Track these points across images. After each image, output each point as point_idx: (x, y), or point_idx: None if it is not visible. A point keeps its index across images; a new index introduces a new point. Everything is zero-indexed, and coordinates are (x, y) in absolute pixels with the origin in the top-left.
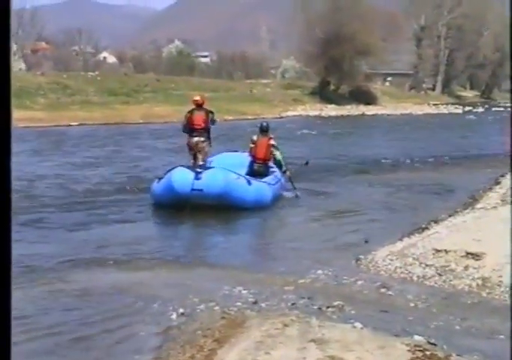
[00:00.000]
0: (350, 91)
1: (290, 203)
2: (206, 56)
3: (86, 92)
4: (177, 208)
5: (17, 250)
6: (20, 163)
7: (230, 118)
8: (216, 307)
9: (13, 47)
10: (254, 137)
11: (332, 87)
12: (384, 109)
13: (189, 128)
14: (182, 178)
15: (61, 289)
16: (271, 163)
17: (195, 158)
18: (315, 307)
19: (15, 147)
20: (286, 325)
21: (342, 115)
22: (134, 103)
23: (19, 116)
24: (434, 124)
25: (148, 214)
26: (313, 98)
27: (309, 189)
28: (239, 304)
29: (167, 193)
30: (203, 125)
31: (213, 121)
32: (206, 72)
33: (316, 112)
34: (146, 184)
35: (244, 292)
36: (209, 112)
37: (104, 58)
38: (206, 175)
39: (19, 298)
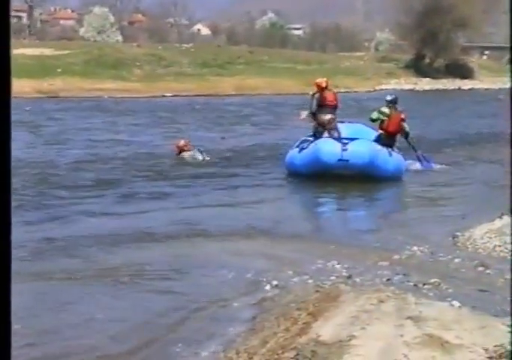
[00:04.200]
0: (446, 65)
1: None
2: (299, 29)
3: (180, 64)
4: (318, 177)
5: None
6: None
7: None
8: (310, 281)
9: (111, 19)
10: (386, 110)
11: (427, 60)
12: (480, 83)
13: (322, 106)
14: (329, 148)
15: (159, 254)
16: None
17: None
18: (411, 284)
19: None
20: (381, 301)
21: (438, 89)
22: (227, 74)
23: (116, 87)
24: None
25: (274, 181)
26: (407, 72)
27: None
28: (333, 278)
29: (313, 162)
30: (335, 102)
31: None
32: (298, 44)
33: (410, 86)
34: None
35: (338, 266)
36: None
37: (198, 30)
38: (352, 146)
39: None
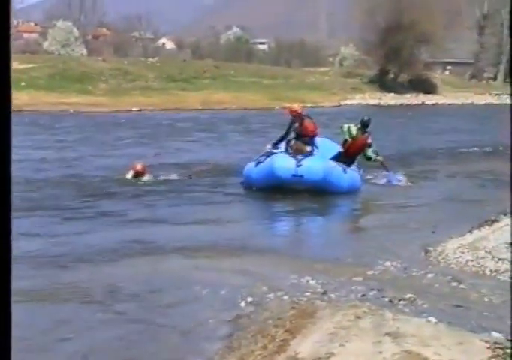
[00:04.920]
0: (410, 80)
1: (368, 191)
2: (263, 43)
3: (146, 78)
4: (274, 191)
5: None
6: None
7: (289, 105)
8: (285, 296)
9: (75, 33)
10: (354, 132)
11: (391, 75)
12: (444, 98)
13: (302, 136)
14: (283, 164)
15: (130, 272)
16: None
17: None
18: (386, 299)
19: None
20: (358, 317)
21: (402, 104)
22: (193, 89)
23: (81, 101)
24: (497, 114)
25: (235, 198)
26: (372, 86)
27: (375, 178)
28: (308, 293)
29: (267, 177)
30: (315, 132)
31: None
32: (264, 59)
33: (375, 101)
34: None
35: (312, 281)
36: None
37: (163, 44)
38: (306, 162)
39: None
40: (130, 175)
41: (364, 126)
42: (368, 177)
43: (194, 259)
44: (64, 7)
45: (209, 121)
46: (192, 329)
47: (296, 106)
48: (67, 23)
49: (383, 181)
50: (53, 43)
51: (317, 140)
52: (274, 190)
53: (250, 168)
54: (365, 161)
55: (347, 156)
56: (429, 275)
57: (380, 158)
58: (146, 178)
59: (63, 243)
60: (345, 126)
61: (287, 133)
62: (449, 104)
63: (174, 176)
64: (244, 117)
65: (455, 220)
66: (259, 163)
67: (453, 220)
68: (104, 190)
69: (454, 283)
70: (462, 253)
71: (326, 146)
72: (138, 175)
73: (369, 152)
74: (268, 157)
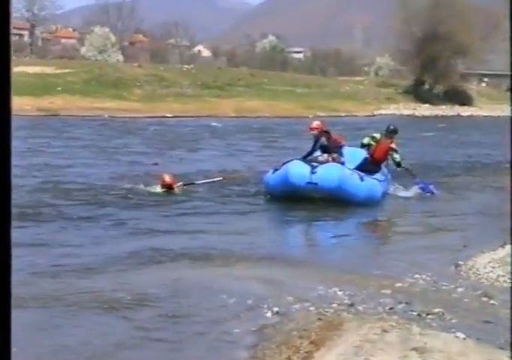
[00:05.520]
0: (445, 91)
1: (396, 202)
2: (299, 52)
3: (181, 85)
4: (290, 199)
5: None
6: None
7: (322, 114)
8: (311, 308)
9: (112, 39)
10: (377, 136)
11: (426, 86)
12: (479, 110)
13: (335, 146)
14: (298, 171)
15: (157, 279)
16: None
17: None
18: (414, 313)
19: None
20: (385, 331)
21: (437, 115)
22: (227, 96)
23: (116, 106)
24: None
25: (257, 207)
26: (407, 97)
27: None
28: (334, 305)
29: (282, 184)
30: (342, 142)
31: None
32: (298, 68)
33: (409, 112)
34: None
35: (339, 293)
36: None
37: (199, 51)
38: (321, 169)
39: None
40: (158, 188)
41: (389, 132)
42: (397, 185)
43: (220, 268)
44: (103, 14)
45: (239, 128)
46: (217, 338)
47: (316, 123)
48: (104, 29)
49: (415, 190)
50: (90, 48)
51: (350, 150)
52: (291, 198)
53: (268, 175)
54: (396, 171)
55: (373, 162)
56: (459, 290)
57: (408, 166)
58: (176, 190)
59: (85, 251)
60: (366, 138)
61: (313, 150)
62: (484, 116)
63: (201, 188)
64: (276, 125)
65: (487, 233)
66: (276, 170)
67: (484, 233)
68: (119, 198)
69: (484, 299)
70: (493, 268)
71: (355, 155)
72: (167, 187)
73: (397, 157)
74: (284, 164)
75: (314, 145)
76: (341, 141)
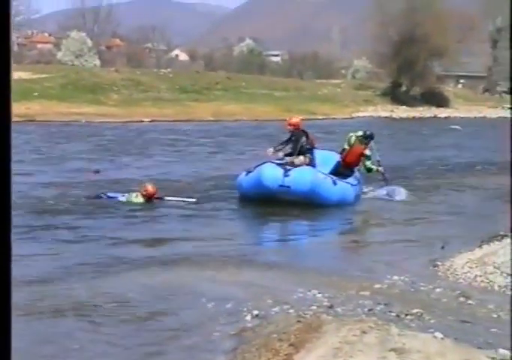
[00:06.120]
0: (422, 93)
1: (370, 204)
2: (276, 55)
3: (158, 89)
4: (264, 201)
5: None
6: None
7: (301, 117)
8: (291, 310)
9: (89, 43)
10: (352, 140)
11: (403, 88)
12: (456, 111)
13: (310, 148)
14: (271, 173)
15: (135, 283)
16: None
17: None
18: (393, 314)
19: None
20: (364, 332)
21: (414, 117)
22: (205, 100)
23: (93, 111)
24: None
25: (231, 211)
26: (384, 99)
27: (374, 191)
28: (314, 307)
29: (255, 186)
30: (313, 146)
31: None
32: (276, 71)
33: (387, 113)
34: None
35: (318, 295)
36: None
37: (176, 55)
38: (294, 172)
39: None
40: (140, 198)
41: (365, 137)
42: (367, 189)
43: (198, 273)
44: (79, 18)
45: (211, 133)
46: (196, 342)
47: (295, 119)
48: (80, 34)
49: (382, 194)
50: (67, 53)
51: (322, 153)
52: (264, 200)
53: (241, 177)
54: (366, 174)
55: (345, 166)
56: (437, 290)
57: (381, 169)
58: (154, 201)
59: (76, 258)
60: (350, 134)
61: (295, 148)
62: (461, 118)
63: (182, 196)
64: (252, 128)
65: (464, 234)
66: (249, 172)
67: (462, 234)
68: (91, 207)
69: (462, 299)
70: (471, 268)
71: (327, 157)
72: (149, 197)
73: (369, 164)
74: (258, 166)
75: (294, 142)
76: (315, 143)
